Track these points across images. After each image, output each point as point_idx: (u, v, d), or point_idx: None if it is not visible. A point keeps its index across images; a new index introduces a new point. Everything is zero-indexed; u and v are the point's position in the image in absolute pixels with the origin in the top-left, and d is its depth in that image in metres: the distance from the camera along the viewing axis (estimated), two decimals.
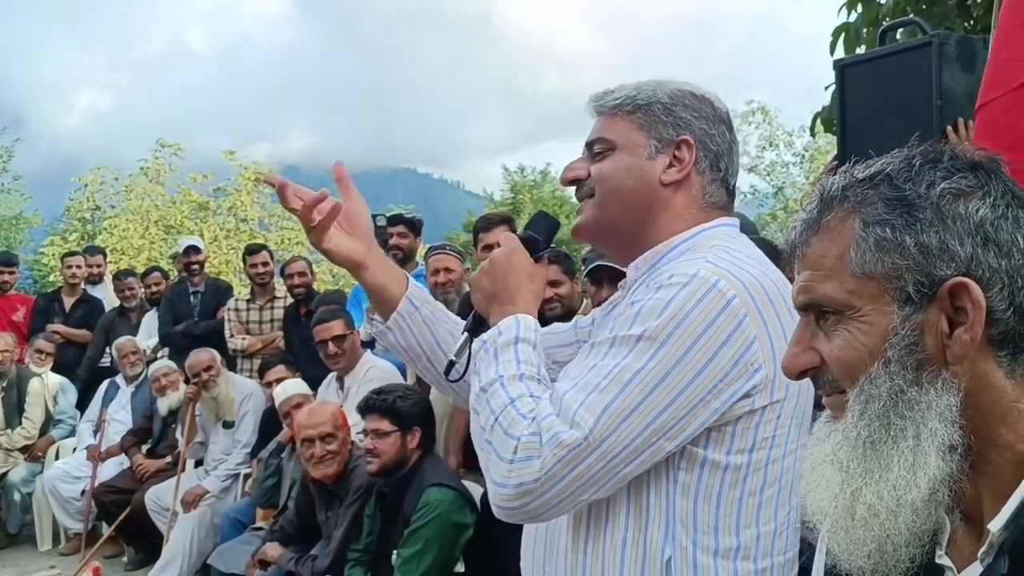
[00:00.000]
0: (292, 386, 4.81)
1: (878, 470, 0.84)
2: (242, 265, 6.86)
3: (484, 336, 1.42)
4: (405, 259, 5.56)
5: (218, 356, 5.83)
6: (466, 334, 1.49)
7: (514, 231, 4.47)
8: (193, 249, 6.96)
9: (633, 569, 1.34)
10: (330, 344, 4.68)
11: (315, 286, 6.44)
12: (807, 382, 1.09)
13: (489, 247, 4.22)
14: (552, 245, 1.63)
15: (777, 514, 1.37)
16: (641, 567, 1.33)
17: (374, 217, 5.51)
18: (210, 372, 5.61)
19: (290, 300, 6.28)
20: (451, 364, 1.50)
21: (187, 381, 6.04)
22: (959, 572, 0.87)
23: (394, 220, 5.69)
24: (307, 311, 5.90)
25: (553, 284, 3.77)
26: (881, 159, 0.91)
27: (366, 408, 3.57)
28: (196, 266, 6.86)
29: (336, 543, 3.71)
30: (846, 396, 0.88)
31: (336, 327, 4.71)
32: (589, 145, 1.51)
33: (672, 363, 1.25)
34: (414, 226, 5.71)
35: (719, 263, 1.31)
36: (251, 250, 6.63)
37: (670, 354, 1.25)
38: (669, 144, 1.45)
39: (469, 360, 1.45)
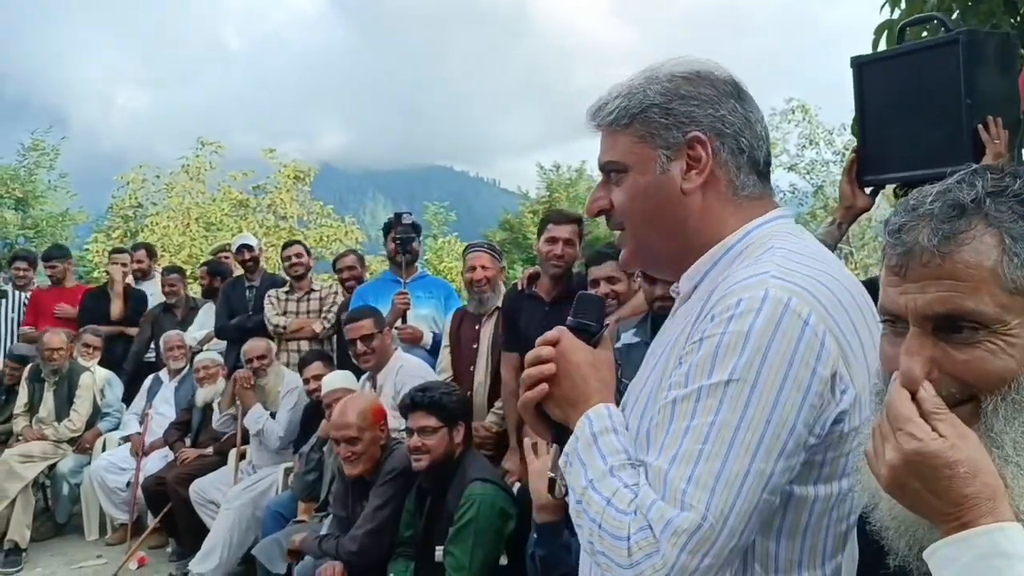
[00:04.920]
0: (340, 378, 4.82)
1: None
2: (280, 261, 7.03)
3: (565, 449, 1.29)
4: (413, 260, 5.68)
5: (274, 347, 5.99)
6: (555, 446, 1.36)
7: (582, 233, 4.41)
8: (246, 247, 7.12)
9: None
10: (359, 343, 4.67)
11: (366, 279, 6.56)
12: None
13: (553, 239, 4.22)
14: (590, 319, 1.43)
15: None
16: None
17: (400, 215, 5.53)
18: (263, 361, 5.77)
19: (327, 294, 6.41)
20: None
21: (228, 376, 6.16)
22: None
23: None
24: None
25: (610, 281, 3.76)
26: (989, 173, 0.91)
27: (412, 406, 3.58)
28: (251, 262, 7.03)
29: (368, 523, 3.73)
30: (977, 405, 0.89)
31: (365, 326, 4.69)
32: (602, 169, 1.39)
33: (770, 406, 1.11)
34: (417, 229, 5.83)
35: (785, 275, 1.17)
36: (286, 244, 6.88)
37: (764, 396, 1.11)
38: (679, 148, 1.31)
39: None
